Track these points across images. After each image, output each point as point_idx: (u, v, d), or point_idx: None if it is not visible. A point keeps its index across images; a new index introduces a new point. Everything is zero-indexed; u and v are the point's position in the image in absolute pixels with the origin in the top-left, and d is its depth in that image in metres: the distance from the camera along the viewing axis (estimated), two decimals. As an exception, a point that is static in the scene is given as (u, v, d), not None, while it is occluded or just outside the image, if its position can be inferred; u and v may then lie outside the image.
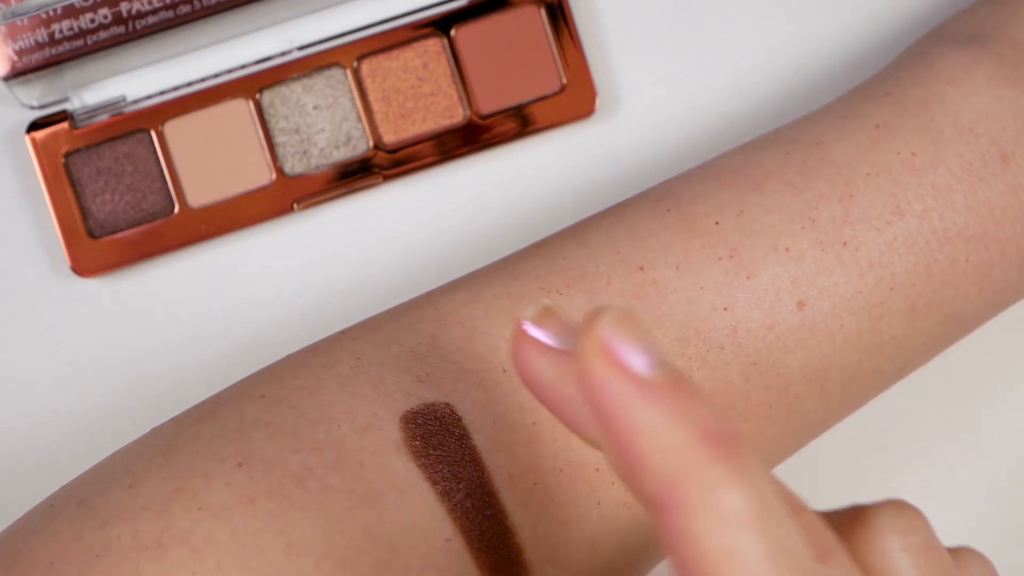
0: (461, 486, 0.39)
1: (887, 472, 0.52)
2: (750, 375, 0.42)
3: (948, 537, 0.37)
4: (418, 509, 0.39)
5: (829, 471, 0.51)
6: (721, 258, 0.42)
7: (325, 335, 0.51)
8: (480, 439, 0.40)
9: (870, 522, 0.33)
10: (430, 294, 0.44)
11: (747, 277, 0.42)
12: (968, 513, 0.52)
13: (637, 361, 0.29)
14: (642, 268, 0.42)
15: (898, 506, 0.33)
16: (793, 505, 0.30)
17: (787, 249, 0.43)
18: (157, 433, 0.41)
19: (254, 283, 0.51)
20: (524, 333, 0.32)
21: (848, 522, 0.33)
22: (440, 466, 0.39)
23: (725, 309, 0.42)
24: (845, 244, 0.43)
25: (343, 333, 0.43)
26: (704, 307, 0.42)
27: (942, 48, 0.46)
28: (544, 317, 0.33)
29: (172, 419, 0.42)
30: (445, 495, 0.39)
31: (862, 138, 0.44)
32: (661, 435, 0.29)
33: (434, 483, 0.39)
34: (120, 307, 0.51)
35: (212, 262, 0.51)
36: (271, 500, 0.38)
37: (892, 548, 0.32)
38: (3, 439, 0.50)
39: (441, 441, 0.40)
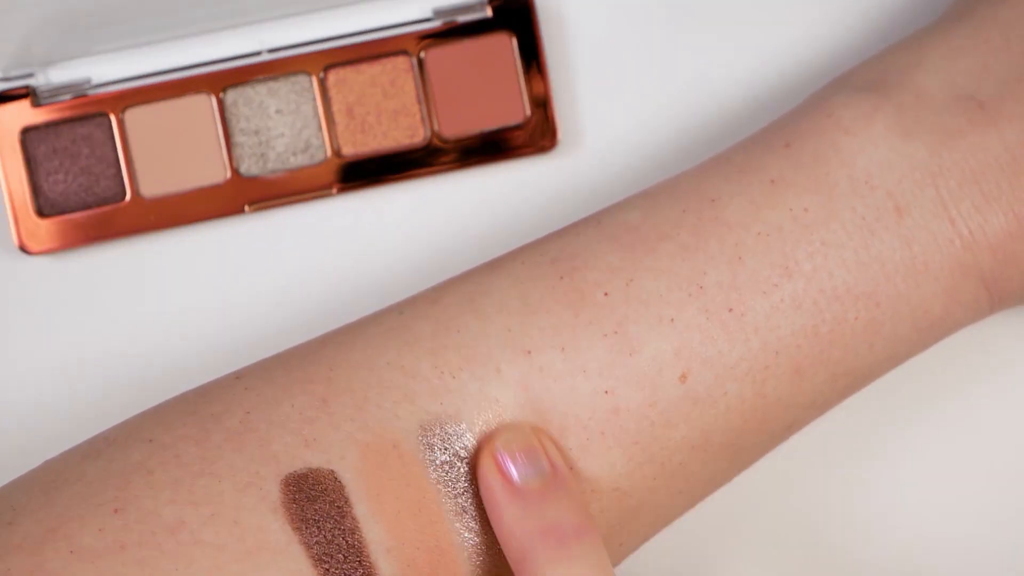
0: (336, 552, 0.40)
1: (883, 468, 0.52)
2: (633, 454, 0.42)
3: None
4: (289, 571, 0.39)
5: (827, 470, 0.51)
6: (606, 335, 0.42)
7: (264, 337, 0.51)
8: (361, 509, 0.40)
9: None
10: (324, 344, 0.44)
11: (630, 354, 0.42)
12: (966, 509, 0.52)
13: (517, 470, 0.41)
14: (529, 352, 0.42)
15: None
16: None
17: (672, 320, 0.43)
18: (46, 467, 0.42)
19: (199, 279, 0.51)
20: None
21: None
22: (316, 531, 0.40)
23: (606, 392, 0.42)
24: (731, 310, 0.43)
25: (237, 378, 0.43)
26: (586, 393, 0.42)
27: (843, 96, 0.45)
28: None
29: (64, 452, 0.43)
30: (318, 560, 0.40)
31: (757, 194, 0.44)
32: (515, 526, 0.40)
33: (308, 547, 0.40)
34: (64, 288, 0.51)
35: (161, 253, 0.51)
36: (141, 549, 0.39)
37: None
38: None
39: (320, 507, 0.40)
